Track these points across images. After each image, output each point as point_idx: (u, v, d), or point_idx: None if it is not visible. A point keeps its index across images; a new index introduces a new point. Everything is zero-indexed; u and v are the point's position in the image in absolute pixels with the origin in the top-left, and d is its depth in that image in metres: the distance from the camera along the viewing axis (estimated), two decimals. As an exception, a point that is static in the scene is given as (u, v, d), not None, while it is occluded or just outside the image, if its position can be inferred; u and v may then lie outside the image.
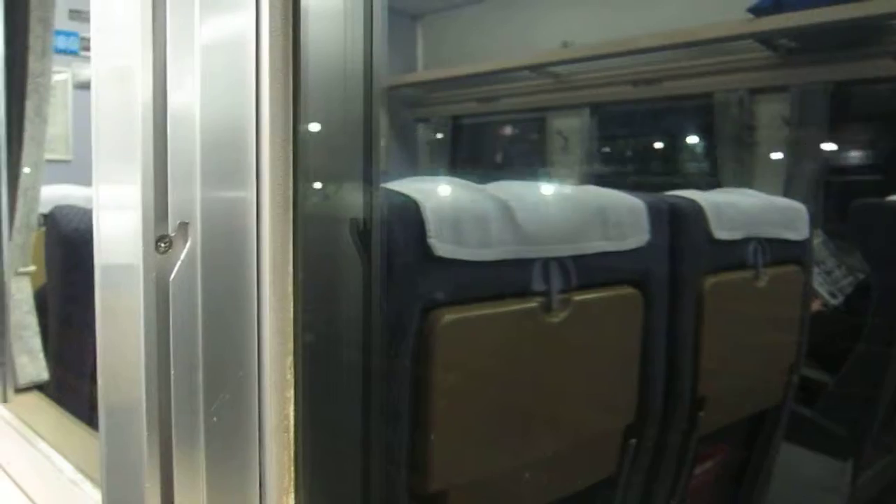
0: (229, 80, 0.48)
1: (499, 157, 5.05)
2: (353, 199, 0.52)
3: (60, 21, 3.43)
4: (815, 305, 2.32)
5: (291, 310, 0.47)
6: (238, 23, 0.48)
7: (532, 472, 0.97)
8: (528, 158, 4.65)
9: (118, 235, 0.49)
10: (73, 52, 3.72)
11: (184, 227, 0.46)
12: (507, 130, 4.84)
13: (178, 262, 0.46)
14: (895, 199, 1.92)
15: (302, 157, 0.48)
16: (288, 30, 0.48)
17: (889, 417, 1.95)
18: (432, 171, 4.93)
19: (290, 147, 0.47)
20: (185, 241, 0.46)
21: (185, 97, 0.47)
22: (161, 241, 0.46)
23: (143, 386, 0.48)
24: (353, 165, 0.53)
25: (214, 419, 0.48)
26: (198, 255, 0.46)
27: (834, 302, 2.41)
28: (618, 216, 1.03)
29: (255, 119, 0.47)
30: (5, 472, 1.10)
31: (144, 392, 0.48)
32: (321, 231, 0.50)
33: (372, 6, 0.54)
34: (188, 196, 0.46)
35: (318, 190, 0.49)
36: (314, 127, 0.49)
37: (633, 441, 1.12)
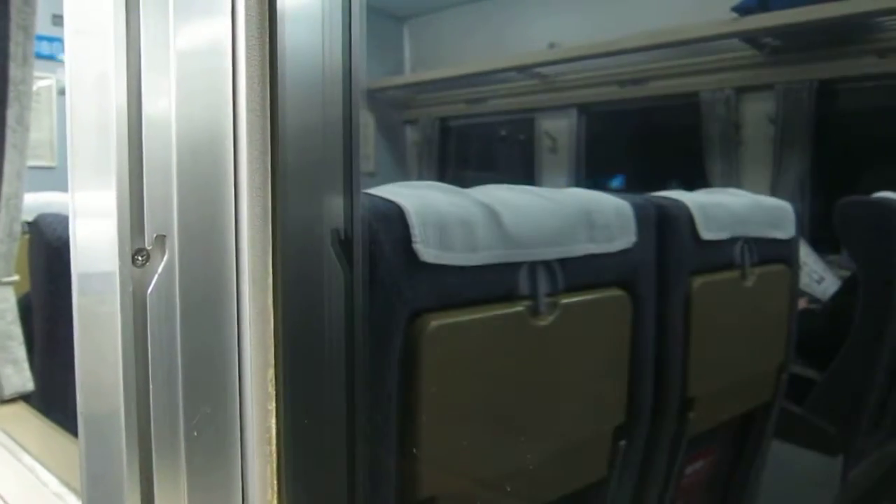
0: (205, 87, 0.47)
1: (487, 158, 5.06)
2: (334, 206, 0.52)
3: (44, 26, 3.40)
4: (802, 304, 2.33)
5: (272, 321, 0.47)
6: (213, 28, 0.47)
7: (522, 476, 0.96)
8: (517, 159, 4.66)
9: (95, 246, 0.49)
10: (56, 58, 3.70)
11: (161, 239, 0.46)
12: (495, 131, 4.84)
13: (156, 276, 0.45)
14: (880, 197, 1.93)
15: (280, 166, 0.47)
16: (264, 35, 0.47)
17: (878, 413, 1.96)
18: (420, 172, 4.93)
19: (268, 156, 0.46)
20: (163, 255, 0.46)
21: (160, 104, 0.47)
22: (138, 254, 0.45)
23: (121, 400, 0.47)
24: (334, 172, 0.52)
25: (195, 433, 0.47)
26: (175, 269, 0.45)
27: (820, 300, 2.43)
28: (604, 218, 1.03)
29: (232, 127, 0.46)
30: (-11, 485, 1.08)
31: (123, 406, 0.47)
32: (301, 241, 0.49)
33: (350, 9, 0.53)
34: (165, 208, 0.46)
35: (298, 198, 0.49)
36: (293, 134, 0.48)
37: (623, 443, 1.12)
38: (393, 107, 5.05)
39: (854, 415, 1.90)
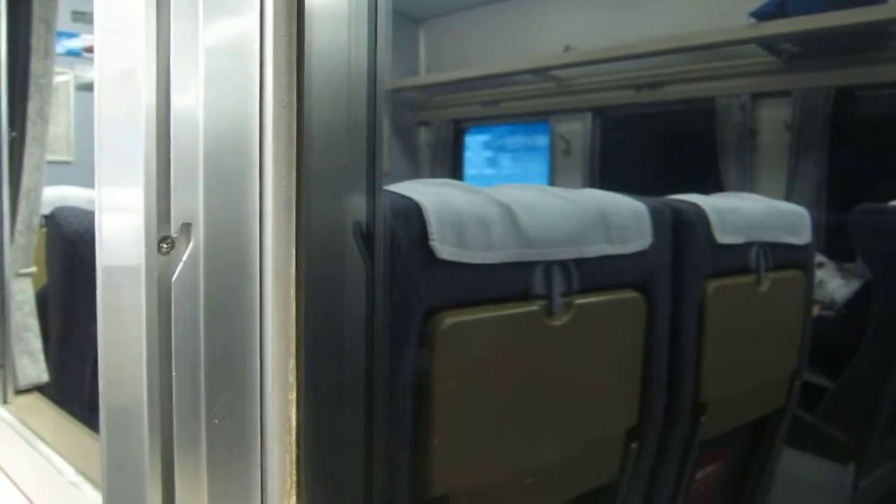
0: (233, 83, 0.47)
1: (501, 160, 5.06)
2: (355, 201, 0.52)
3: (63, 22, 3.43)
4: (815, 310, 2.32)
5: (294, 312, 0.47)
6: (242, 25, 0.48)
7: (534, 477, 0.97)
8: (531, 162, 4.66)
9: (120, 236, 0.49)
10: (74, 54, 3.73)
11: (186, 227, 0.46)
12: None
13: (181, 264, 0.46)
14: (897, 204, 1.92)
15: (305, 159, 0.48)
16: (292, 32, 0.48)
17: (890, 421, 1.95)
18: (433, 174, 4.94)
19: (294, 149, 0.47)
20: (188, 243, 0.46)
21: (188, 99, 0.47)
22: (163, 241, 0.46)
23: (144, 387, 0.48)
24: (357, 168, 0.53)
25: (216, 421, 0.48)
26: (200, 257, 0.46)
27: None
28: (620, 219, 1.03)
29: (258, 121, 0.47)
30: (5, 473, 1.09)
31: (146, 394, 0.48)
32: (324, 233, 0.49)
33: (377, 9, 0.54)
34: (191, 197, 0.46)
35: (321, 192, 0.49)
36: (318, 129, 0.49)
37: (635, 445, 1.12)
38: (407, 108, 5.05)
39: (866, 423, 1.89)
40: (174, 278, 0.46)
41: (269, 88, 0.47)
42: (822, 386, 2.02)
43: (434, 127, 4.99)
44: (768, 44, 3.05)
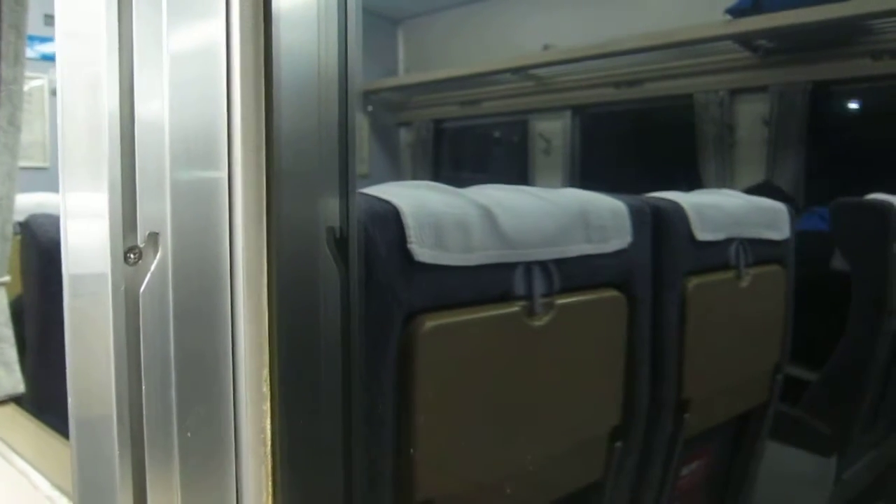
0: (199, 88, 0.46)
1: (481, 160, 5.06)
2: (329, 206, 0.51)
3: (36, 26, 3.38)
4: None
5: (266, 321, 0.46)
6: (208, 29, 0.47)
7: (518, 478, 0.96)
8: (511, 161, 4.66)
9: (86, 246, 0.48)
10: (49, 59, 3.68)
11: (154, 237, 0.45)
12: (490, 133, 4.85)
13: (149, 274, 0.45)
14: (874, 198, 1.94)
15: (275, 165, 0.47)
16: (259, 36, 0.47)
17: (872, 413, 1.97)
18: (414, 174, 4.93)
19: (263, 155, 0.46)
20: (156, 253, 0.45)
21: (153, 105, 0.46)
22: (130, 252, 0.45)
23: (113, 400, 0.46)
24: (329, 172, 0.52)
25: (188, 434, 0.47)
26: (168, 267, 0.45)
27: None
28: (600, 218, 1.03)
29: (226, 127, 0.46)
30: (-20, 488, 1.07)
31: (115, 407, 0.47)
32: (297, 240, 0.48)
33: (346, 10, 0.53)
34: (158, 205, 0.45)
35: (293, 198, 0.48)
36: (288, 134, 0.48)
37: (620, 444, 1.12)
38: (387, 109, 5.04)
39: (848, 415, 1.91)
40: (142, 290, 0.45)
41: (236, 93, 0.46)
42: (804, 378, 2.04)
43: (414, 127, 4.97)
44: (744, 40, 3.07)
